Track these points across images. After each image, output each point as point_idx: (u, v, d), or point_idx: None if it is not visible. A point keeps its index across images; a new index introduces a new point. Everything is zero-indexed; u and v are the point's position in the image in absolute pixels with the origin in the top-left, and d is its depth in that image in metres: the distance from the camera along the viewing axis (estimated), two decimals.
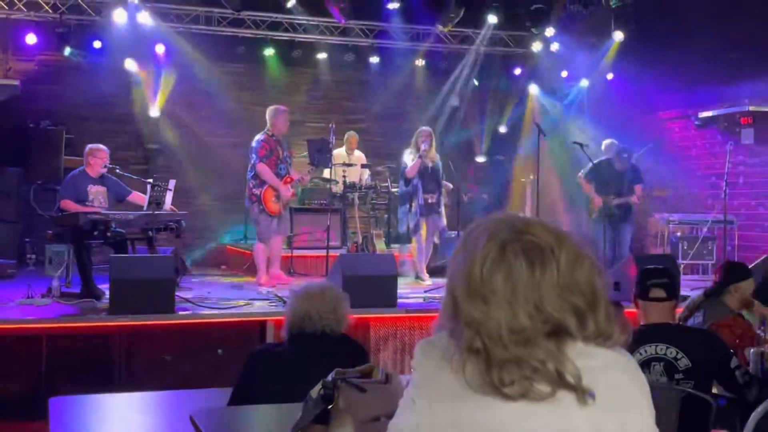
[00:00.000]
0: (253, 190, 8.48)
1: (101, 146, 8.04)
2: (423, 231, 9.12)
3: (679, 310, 4.83)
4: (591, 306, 1.51)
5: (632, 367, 1.57)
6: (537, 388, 1.46)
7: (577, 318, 1.49)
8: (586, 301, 1.50)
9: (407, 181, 9.08)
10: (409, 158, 9.02)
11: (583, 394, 1.46)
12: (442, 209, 9.33)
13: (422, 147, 8.92)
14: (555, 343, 1.48)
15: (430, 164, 9.10)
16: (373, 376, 2.06)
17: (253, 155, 8.49)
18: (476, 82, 13.23)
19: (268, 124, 8.65)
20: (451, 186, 9.86)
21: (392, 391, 2.01)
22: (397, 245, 10.34)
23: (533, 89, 13.24)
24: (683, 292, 7.57)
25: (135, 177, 9.27)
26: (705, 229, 10.34)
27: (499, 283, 1.49)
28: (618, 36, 11.74)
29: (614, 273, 7.55)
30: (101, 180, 7.93)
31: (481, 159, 13.63)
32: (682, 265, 9.46)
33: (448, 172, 9.78)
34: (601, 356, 1.51)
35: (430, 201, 9.10)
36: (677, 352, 3.79)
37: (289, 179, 8.66)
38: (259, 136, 8.62)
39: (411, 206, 9.04)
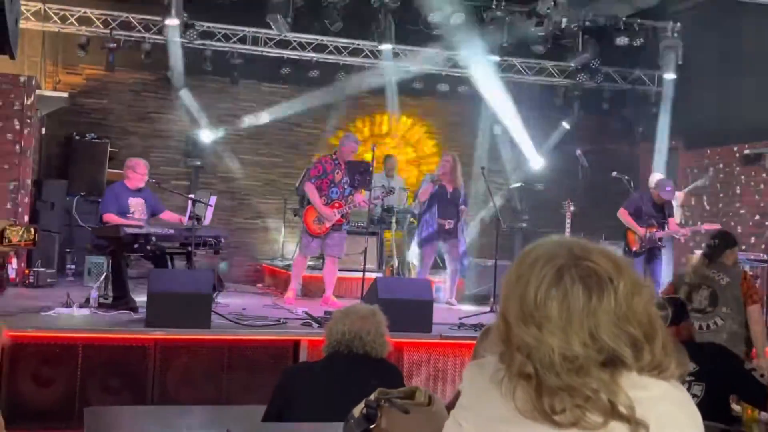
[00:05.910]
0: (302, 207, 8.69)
1: (141, 160, 8.13)
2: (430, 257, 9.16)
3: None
4: (648, 337, 1.47)
5: (686, 401, 1.53)
6: (589, 418, 1.42)
7: (633, 348, 1.46)
8: (643, 332, 1.47)
9: (421, 204, 9.17)
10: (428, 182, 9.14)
11: (636, 425, 1.42)
12: (462, 235, 9.29)
13: (438, 172, 8.95)
14: (609, 373, 1.44)
15: (450, 189, 9.10)
16: (416, 398, 2.04)
17: (306, 173, 8.68)
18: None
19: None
20: (465, 208, 9.72)
21: (435, 413, 1.99)
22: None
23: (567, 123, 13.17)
24: None
25: (176, 192, 9.39)
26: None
27: (554, 309, 1.46)
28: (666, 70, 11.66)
29: None
30: (139, 192, 8.03)
31: (515, 185, 13.49)
32: None
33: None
34: (655, 388, 1.47)
35: (447, 227, 9.09)
36: None
37: (337, 205, 8.57)
38: (320, 157, 8.85)
39: (421, 230, 9.13)
